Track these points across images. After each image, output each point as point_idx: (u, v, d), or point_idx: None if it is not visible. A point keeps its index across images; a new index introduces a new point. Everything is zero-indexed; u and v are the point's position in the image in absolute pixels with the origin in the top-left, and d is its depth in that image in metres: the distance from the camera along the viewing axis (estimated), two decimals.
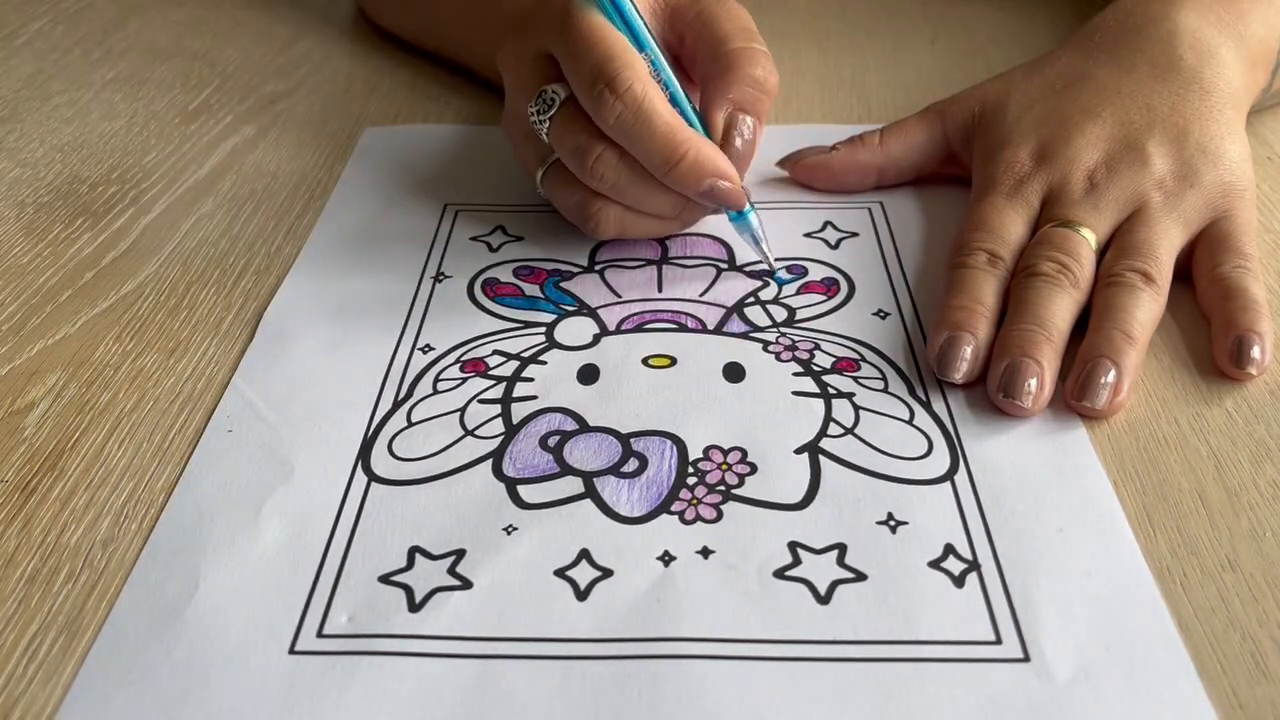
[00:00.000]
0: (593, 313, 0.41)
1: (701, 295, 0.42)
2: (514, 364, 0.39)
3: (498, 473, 0.34)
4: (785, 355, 0.39)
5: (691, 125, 0.40)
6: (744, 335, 0.40)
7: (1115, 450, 0.35)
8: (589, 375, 0.38)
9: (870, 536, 0.31)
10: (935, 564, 0.31)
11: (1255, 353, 0.37)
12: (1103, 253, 0.40)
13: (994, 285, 0.39)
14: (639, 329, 0.40)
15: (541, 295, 0.42)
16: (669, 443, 0.35)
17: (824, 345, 0.39)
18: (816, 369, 0.38)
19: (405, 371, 0.38)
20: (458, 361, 0.39)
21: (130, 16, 0.70)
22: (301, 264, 0.44)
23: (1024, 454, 0.34)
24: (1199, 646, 0.28)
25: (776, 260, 0.44)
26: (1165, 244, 0.40)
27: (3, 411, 0.37)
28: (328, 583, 0.30)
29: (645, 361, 0.39)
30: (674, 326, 0.41)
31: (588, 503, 0.33)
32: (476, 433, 0.36)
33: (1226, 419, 0.36)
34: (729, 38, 0.42)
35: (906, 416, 0.36)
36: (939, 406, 0.36)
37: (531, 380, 0.38)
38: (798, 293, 0.42)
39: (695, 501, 0.33)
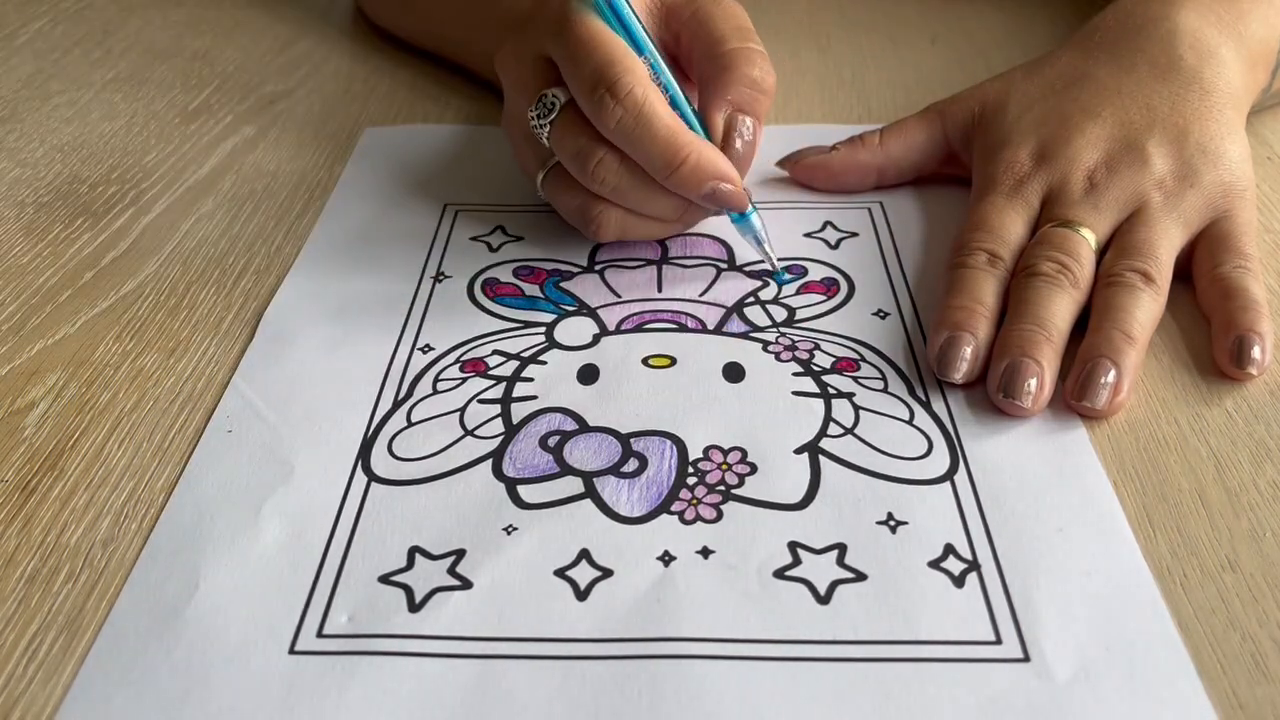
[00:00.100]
0: (593, 313, 0.41)
1: (701, 295, 0.42)
2: (514, 364, 0.39)
3: (498, 473, 0.34)
4: (785, 355, 0.39)
5: (692, 128, 0.40)
6: (744, 335, 0.40)
7: (1115, 450, 0.35)
8: (589, 375, 0.38)
9: (870, 536, 0.31)
10: (935, 564, 0.31)
11: (1255, 353, 0.37)
12: (1103, 253, 0.40)
13: (994, 285, 0.39)
14: (639, 329, 0.40)
15: (541, 295, 0.42)
16: (669, 443, 0.35)
17: (824, 345, 0.39)
18: (816, 369, 0.38)
19: (405, 371, 0.38)
20: (458, 361, 0.39)
21: (130, 16, 0.71)
22: (301, 264, 0.44)
23: (1024, 454, 0.34)
24: (1199, 646, 0.28)
25: (777, 260, 0.44)
26: (1165, 244, 0.40)
27: (3, 411, 0.37)
28: (328, 583, 0.30)
29: (645, 361, 0.39)
30: (674, 326, 0.41)
31: (588, 503, 0.33)
32: (476, 433, 0.36)
33: (1226, 419, 0.36)
34: (725, 38, 0.42)
35: (906, 416, 0.36)
36: (939, 406, 0.36)
37: (531, 380, 0.38)
38: (797, 293, 0.42)
39: (695, 501, 0.33)
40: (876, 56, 0.63)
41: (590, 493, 0.33)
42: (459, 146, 0.53)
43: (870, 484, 0.33)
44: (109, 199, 0.50)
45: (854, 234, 0.46)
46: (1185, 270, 0.41)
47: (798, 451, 0.34)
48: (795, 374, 0.38)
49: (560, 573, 0.30)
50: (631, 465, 0.34)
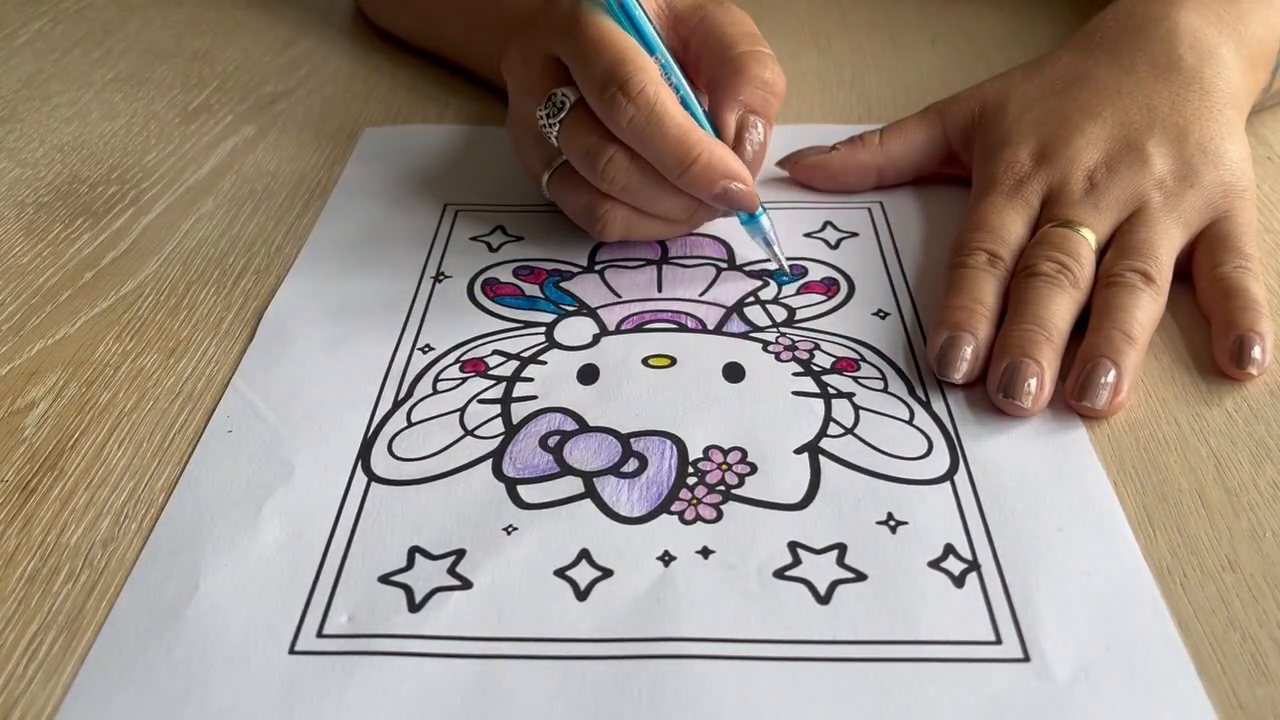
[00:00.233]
0: (593, 313, 0.41)
1: (701, 295, 0.42)
2: (514, 364, 0.39)
3: (498, 473, 0.34)
4: (785, 355, 0.39)
5: (703, 128, 0.40)
6: (744, 335, 0.40)
7: (1115, 450, 0.35)
8: (589, 375, 0.38)
9: (870, 536, 0.31)
10: (935, 564, 0.31)
11: (1256, 353, 0.37)
12: (1103, 253, 0.40)
13: (994, 285, 0.39)
14: (639, 329, 0.40)
15: (541, 295, 0.42)
16: (669, 443, 0.35)
17: (824, 345, 0.39)
18: (816, 369, 0.38)
19: (405, 371, 0.38)
20: (458, 361, 0.39)
21: (130, 16, 0.71)
22: (301, 264, 0.44)
23: (1024, 454, 0.34)
24: (1199, 646, 0.28)
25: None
26: (1165, 244, 0.40)
27: (3, 411, 0.37)
28: (328, 583, 0.30)
29: (645, 361, 0.39)
30: (674, 326, 0.41)
31: (588, 503, 0.33)
32: (476, 433, 0.36)
33: (1226, 419, 0.36)
34: (736, 42, 0.42)
35: (906, 416, 0.36)
36: (939, 406, 0.36)
37: (531, 380, 0.38)
38: (797, 293, 0.42)
39: (695, 501, 0.33)
40: (876, 56, 0.63)
41: (590, 493, 0.33)
42: (459, 146, 0.53)
43: (870, 484, 0.33)
44: (109, 199, 0.50)
45: (854, 234, 0.46)
46: (1185, 270, 0.41)
47: (798, 451, 0.34)
48: (795, 374, 0.38)
49: (560, 573, 0.30)
50: (631, 465, 0.34)
